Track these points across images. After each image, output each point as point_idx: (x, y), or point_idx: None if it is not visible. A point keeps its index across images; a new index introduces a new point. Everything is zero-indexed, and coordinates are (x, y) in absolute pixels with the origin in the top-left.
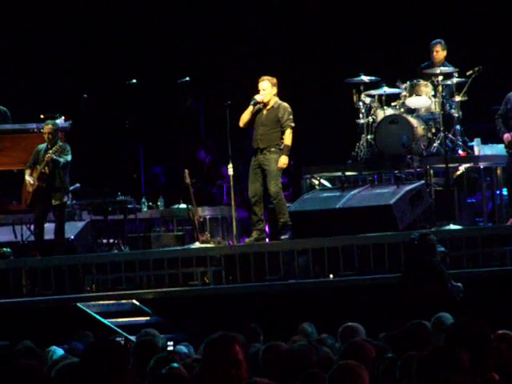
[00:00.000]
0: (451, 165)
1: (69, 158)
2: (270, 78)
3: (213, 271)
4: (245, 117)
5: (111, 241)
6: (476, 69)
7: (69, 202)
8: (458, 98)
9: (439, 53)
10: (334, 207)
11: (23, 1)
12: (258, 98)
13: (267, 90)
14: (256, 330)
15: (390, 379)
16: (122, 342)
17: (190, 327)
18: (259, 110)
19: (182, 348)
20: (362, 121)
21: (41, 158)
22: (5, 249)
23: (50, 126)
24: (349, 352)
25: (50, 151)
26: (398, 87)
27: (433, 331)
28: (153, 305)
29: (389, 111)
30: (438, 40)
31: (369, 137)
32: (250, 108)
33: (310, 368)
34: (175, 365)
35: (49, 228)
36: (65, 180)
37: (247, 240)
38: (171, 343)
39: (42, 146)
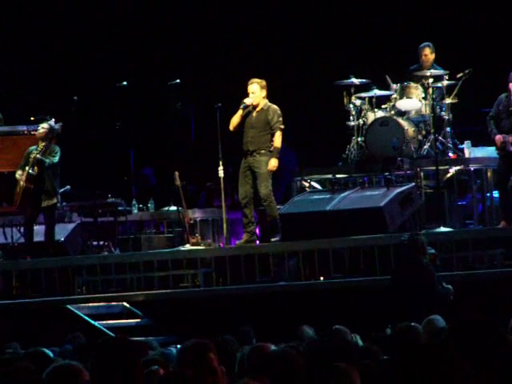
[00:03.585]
0: (441, 167)
1: (55, 159)
2: (258, 80)
3: (203, 273)
4: (235, 120)
5: (101, 243)
6: (466, 71)
7: (59, 204)
8: (448, 101)
9: (428, 56)
10: (325, 209)
11: (13, 2)
12: (247, 101)
13: (256, 92)
14: (249, 333)
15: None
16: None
17: (180, 329)
18: (249, 113)
19: (173, 350)
20: (352, 123)
21: (30, 160)
22: None
23: (46, 126)
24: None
25: (35, 151)
26: (388, 84)
27: (424, 333)
28: (143, 307)
29: (379, 113)
30: (427, 43)
31: (359, 139)
32: (240, 112)
33: (296, 370)
34: (155, 367)
35: (39, 230)
36: (54, 182)
37: (238, 242)
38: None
39: (33, 147)
